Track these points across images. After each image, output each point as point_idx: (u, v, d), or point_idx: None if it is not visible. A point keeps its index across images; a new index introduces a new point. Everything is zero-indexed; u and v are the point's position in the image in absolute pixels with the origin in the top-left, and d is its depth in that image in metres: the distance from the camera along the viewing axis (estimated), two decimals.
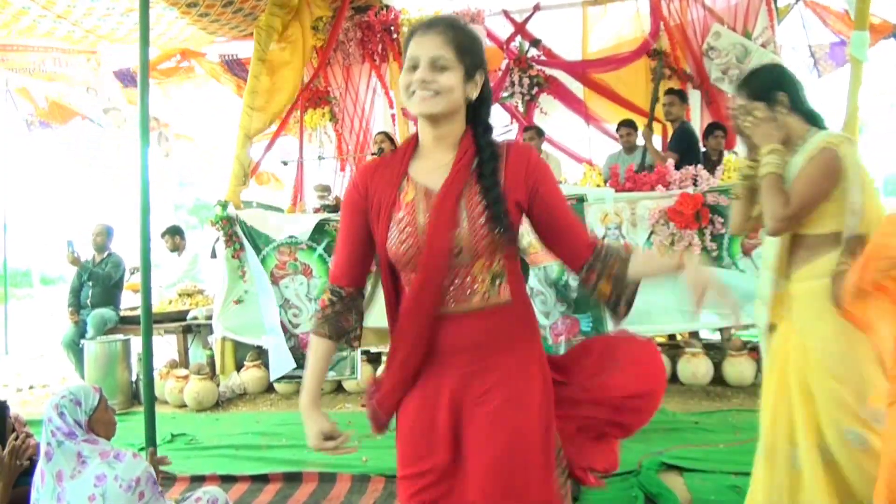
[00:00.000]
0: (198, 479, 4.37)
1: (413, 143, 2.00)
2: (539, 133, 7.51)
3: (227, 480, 4.35)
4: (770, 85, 2.73)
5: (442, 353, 1.91)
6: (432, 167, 1.93)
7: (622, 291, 1.93)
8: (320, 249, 6.13)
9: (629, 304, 1.95)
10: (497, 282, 1.91)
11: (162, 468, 3.19)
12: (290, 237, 6.18)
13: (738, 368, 5.70)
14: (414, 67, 1.87)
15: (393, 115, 8.55)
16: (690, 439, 4.66)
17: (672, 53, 8.28)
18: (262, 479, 4.35)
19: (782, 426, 2.68)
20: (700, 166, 5.89)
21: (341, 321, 2.02)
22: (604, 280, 1.92)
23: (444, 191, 1.88)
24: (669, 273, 1.93)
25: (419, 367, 1.93)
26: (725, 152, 6.83)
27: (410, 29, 1.96)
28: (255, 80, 6.61)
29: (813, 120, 2.73)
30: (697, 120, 8.00)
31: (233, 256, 6.30)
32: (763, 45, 7.96)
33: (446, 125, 1.93)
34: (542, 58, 8.54)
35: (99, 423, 2.80)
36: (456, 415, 1.90)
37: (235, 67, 8.73)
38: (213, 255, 7.28)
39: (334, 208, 6.47)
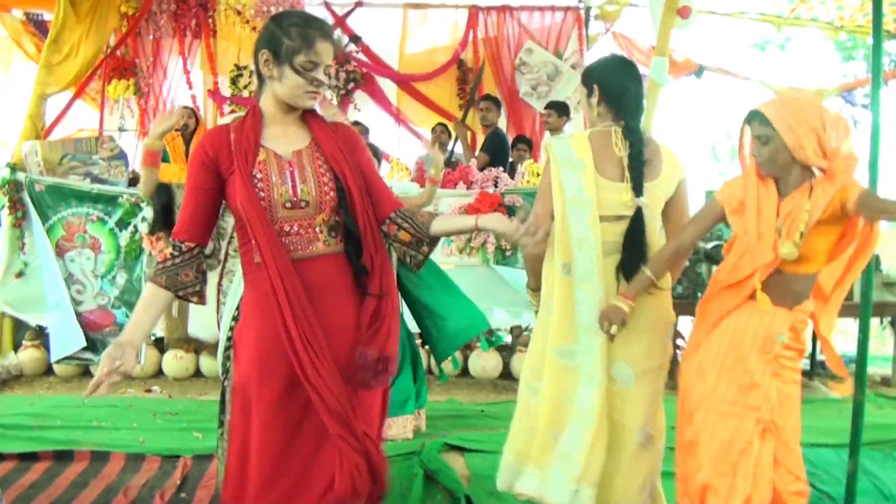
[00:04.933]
0: None
1: (259, 114, 2.29)
2: (365, 131, 7.56)
3: None
4: None
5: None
6: (279, 134, 2.29)
7: (423, 238, 2.35)
8: (111, 223, 5.82)
9: (431, 247, 2.39)
10: (333, 233, 2.27)
11: None
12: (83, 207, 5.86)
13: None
14: (314, 67, 2.21)
15: (193, 96, 8.34)
16: (475, 424, 4.87)
17: (475, 67, 8.60)
18: (31, 458, 4.12)
19: None
20: (501, 168, 6.13)
21: (180, 274, 2.24)
22: (403, 231, 2.34)
23: (296, 155, 2.27)
24: (469, 230, 2.40)
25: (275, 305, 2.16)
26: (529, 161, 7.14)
27: (308, 26, 2.22)
28: (55, 35, 6.19)
29: None
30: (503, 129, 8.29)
31: (14, 225, 5.80)
32: (573, 67, 8.44)
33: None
34: (361, 54, 8.58)
35: None
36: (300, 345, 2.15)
37: (40, 27, 8.10)
38: None
39: (130, 182, 6.20)
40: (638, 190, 2.75)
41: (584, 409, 2.71)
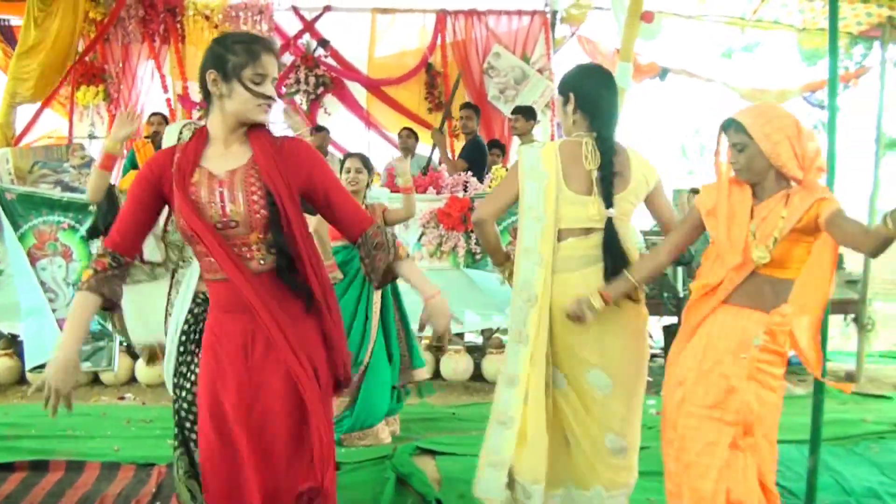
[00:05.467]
0: None
1: (204, 135, 2.32)
2: (326, 134, 7.62)
3: None
4: None
5: (225, 309, 2.31)
6: (218, 154, 2.29)
7: (377, 275, 2.38)
8: (83, 231, 5.81)
9: (383, 283, 2.42)
10: (271, 251, 2.26)
11: None
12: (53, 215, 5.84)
13: (495, 365, 5.97)
14: (262, 80, 2.23)
15: (168, 100, 8.30)
16: (446, 427, 4.94)
17: (444, 71, 8.70)
18: (7, 468, 4.12)
19: None
20: (470, 173, 6.19)
21: (115, 285, 2.26)
22: (366, 261, 2.37)
23: (229, 174, 2.25)
24: (420, 294, 2.37)
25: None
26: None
27: (252, 42, 2.26)
28: (24, 45, 6.17)
29: None
30: None
31: None
32: (540, 71, 8.52)
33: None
34: (330, 58, 8.63)
35: None
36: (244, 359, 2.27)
37: (7, 34, 8.06)
38: None
39: None
40: (608, 202, 2.80)
41: (502, 410, 2.90)
